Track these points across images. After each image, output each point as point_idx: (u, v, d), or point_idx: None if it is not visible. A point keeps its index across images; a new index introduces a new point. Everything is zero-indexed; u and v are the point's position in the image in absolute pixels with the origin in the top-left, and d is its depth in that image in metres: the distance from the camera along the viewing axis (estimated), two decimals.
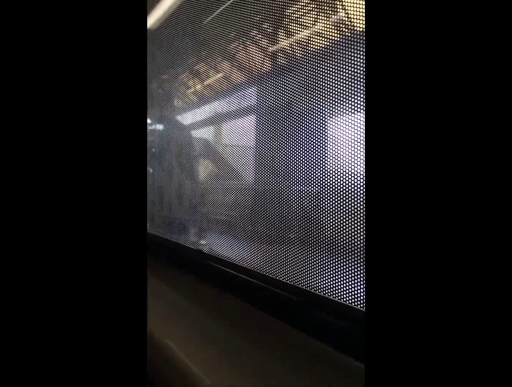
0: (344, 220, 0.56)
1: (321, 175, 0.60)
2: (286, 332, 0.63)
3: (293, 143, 0.67)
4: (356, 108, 0.54)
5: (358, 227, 0.54)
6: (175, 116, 1.24)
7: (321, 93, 0.60)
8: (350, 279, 0.55)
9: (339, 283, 0.57)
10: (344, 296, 0.56)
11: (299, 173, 0.65)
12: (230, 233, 0.88)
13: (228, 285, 0.82)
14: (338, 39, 0.57)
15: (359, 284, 0.54)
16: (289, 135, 0.68)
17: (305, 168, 0.64)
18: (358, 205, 0.54)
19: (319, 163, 0.61)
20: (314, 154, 0.62)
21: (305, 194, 0.64)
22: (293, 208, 0.67)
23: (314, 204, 0.62)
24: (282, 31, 0.71)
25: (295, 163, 0.66)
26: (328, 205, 0.58)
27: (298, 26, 0.66)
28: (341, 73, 0.56)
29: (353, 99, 0.55)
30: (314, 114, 0.62)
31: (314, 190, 0.62)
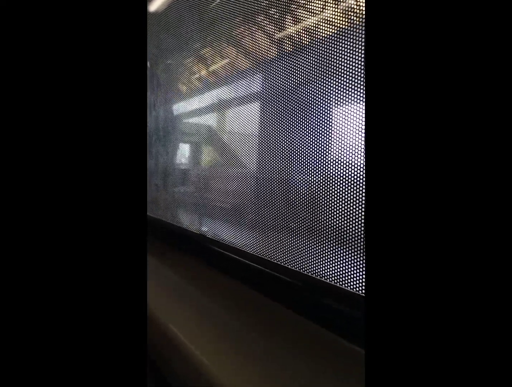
0: (352, 207, 0.56)
1: (322, 164, 0.60)
2: (288, 316, 0.63)
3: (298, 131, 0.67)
4: (362, 97, 0.54)
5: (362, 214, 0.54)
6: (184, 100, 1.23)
7: (326, 80, 0.60)
8: (355, 265, 0.56)
9: (346, 269, 0.58)
10: (352, 283, 0.57)
11: (300, 160, 0.65)
12: (232, 219, 0.88)
13: (230, 268, 0.83)
14: (345, 25, 0.57)
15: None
16: (294, 122, 0.68)
17: (303, 156, 0.64)
18: (361, 192, 0.54)
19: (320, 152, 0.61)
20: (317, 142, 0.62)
21: (306, 181, 0.64)
22: (296, 194, 0.67)
23: (316, 191, 0.62)
24: (289, 16, 0.70)
25: (293, 151, 0.66)
26: (330, 192, 0.59)
27: (305, 11, 0.65)
28: (351, 59, 0.56)
29: (359, 88, 0.54)
30: (319, 102, 0.62)
31: (316, 178, 0.62)
